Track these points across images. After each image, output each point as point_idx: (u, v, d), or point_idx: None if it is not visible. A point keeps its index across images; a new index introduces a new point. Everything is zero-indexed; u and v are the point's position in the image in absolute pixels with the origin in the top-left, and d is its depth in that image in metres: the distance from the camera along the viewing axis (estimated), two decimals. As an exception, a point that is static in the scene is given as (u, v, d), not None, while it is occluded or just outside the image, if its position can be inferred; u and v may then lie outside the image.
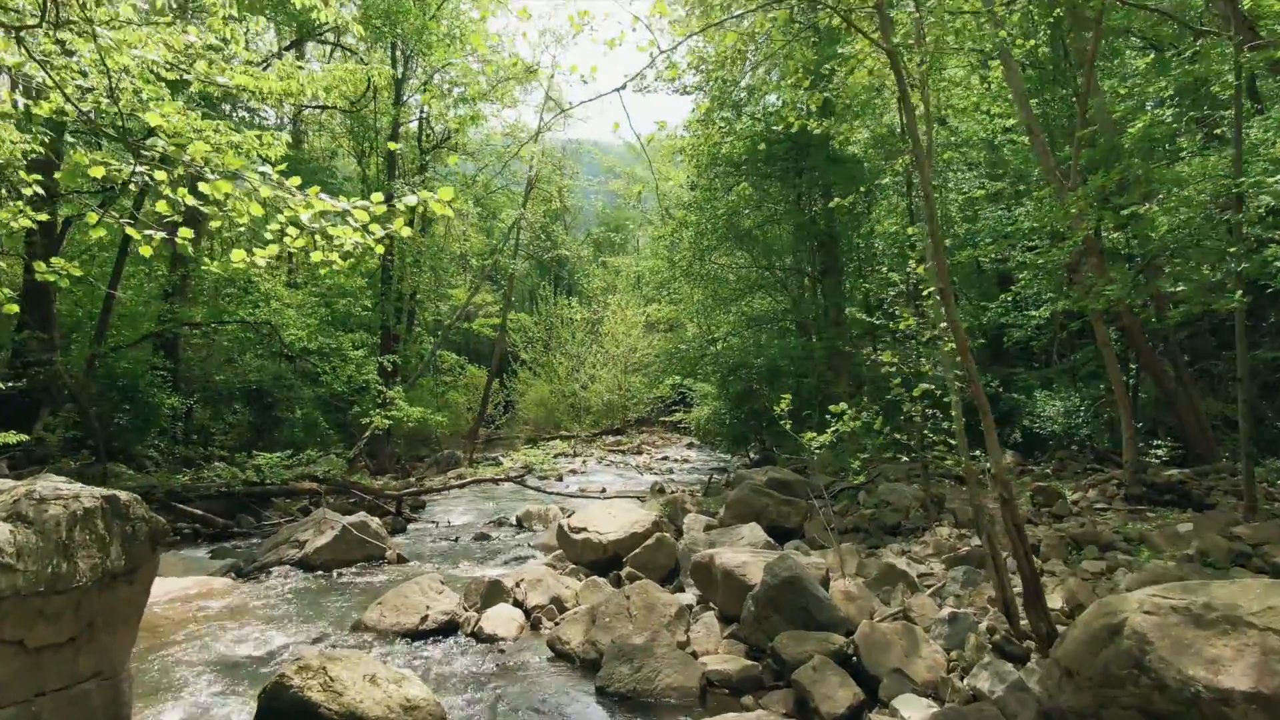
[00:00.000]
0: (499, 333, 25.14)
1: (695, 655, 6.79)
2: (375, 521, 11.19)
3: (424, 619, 7.86)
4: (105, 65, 5.01)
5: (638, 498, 17.27)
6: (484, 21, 24.68)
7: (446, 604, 8.11)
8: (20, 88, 8.14)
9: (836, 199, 9.10)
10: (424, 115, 26.43)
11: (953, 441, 7.35)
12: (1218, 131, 13.15)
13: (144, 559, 5.23)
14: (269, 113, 22.96)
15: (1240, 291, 7.94)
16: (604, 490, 19.00)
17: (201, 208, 4.62)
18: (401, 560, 10.95)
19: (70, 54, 5.56)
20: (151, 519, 5.33)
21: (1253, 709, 4.01)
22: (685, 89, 14.78)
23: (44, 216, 6.34)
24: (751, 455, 21.48)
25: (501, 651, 7.40)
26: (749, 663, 6.51)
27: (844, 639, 6.51)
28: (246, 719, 5.92)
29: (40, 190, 6.27)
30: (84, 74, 5.60)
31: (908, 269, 11.16)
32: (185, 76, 5.49)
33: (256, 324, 16.55)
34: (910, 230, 8.18)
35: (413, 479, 19.11)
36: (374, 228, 4.88)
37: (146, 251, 5.07)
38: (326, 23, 17.07)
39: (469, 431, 24.67)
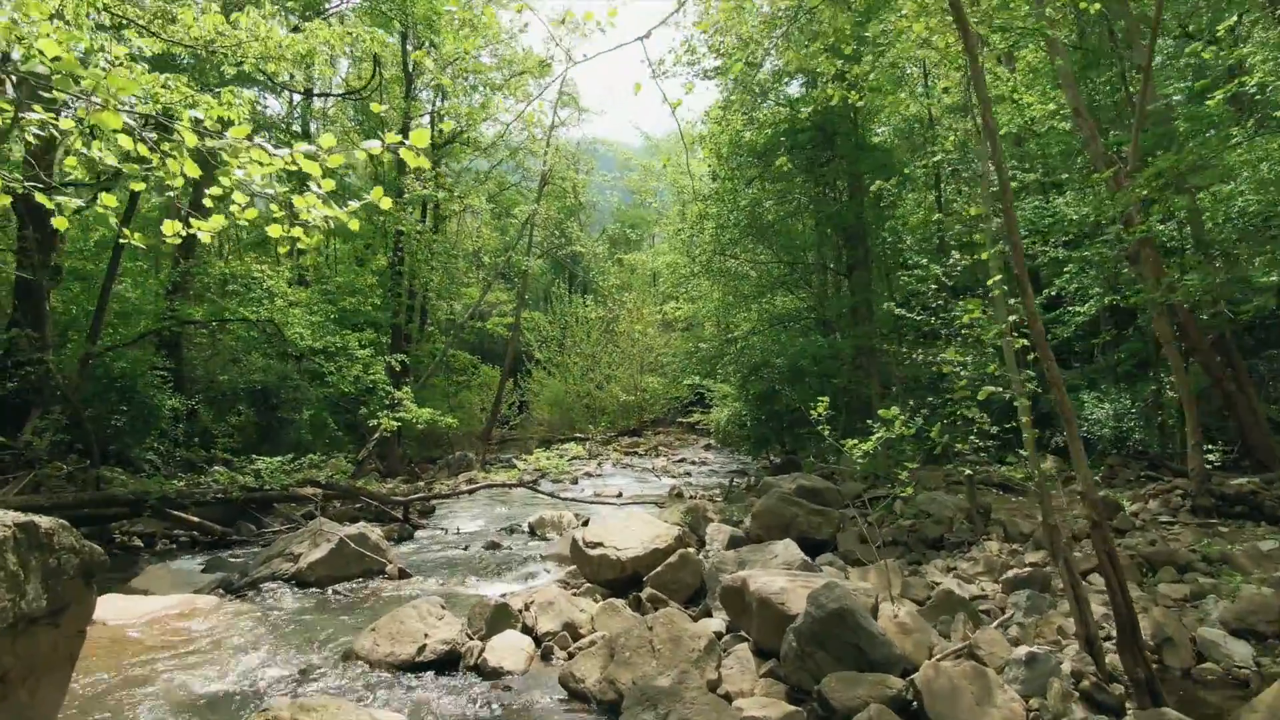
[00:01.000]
0: (512, 332, 24.20)
1: (729, 698, 5.82)
2: (375, 533, 10.26)
3: (421, 649, 6.91)
4: None
5: (655, 503, 16.32)
6: (493, 11, 23.73)
7: (447, 631, 7.15)
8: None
9: (878, 181, 8.14)
10: (435, 110, 25.52)
11: (1024, 452, 6.34)
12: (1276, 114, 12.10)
13: (73, 597, 4.29)
14: (277, 106, 22.15)
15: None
16: (620, 494, 18.05)
17: (121, 167, 3.67)
18: (403, 575, 10.00)
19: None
20: (84, 549, 4.38)
21: None
22: (706, 73, 13.79)
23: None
24: (772, 458, 20.48)
25: (508, 689, 6.44)
26: (792, 708, 5.52)
27: (902, 682, 5.52)
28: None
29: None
30: None
31: (950, 259, 10.16)
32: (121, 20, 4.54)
33: (259, 322, 15.65)
34: (972, 210, 7.12)
35: (422, 482, 18.20)
36: (339, 214, 3.94)
37: (138, 238, 4.27)
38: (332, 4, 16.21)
39: (482, 433, 23.76)
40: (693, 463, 23.73)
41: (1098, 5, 8.51)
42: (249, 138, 3.69)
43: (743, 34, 10.12)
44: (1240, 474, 11.45)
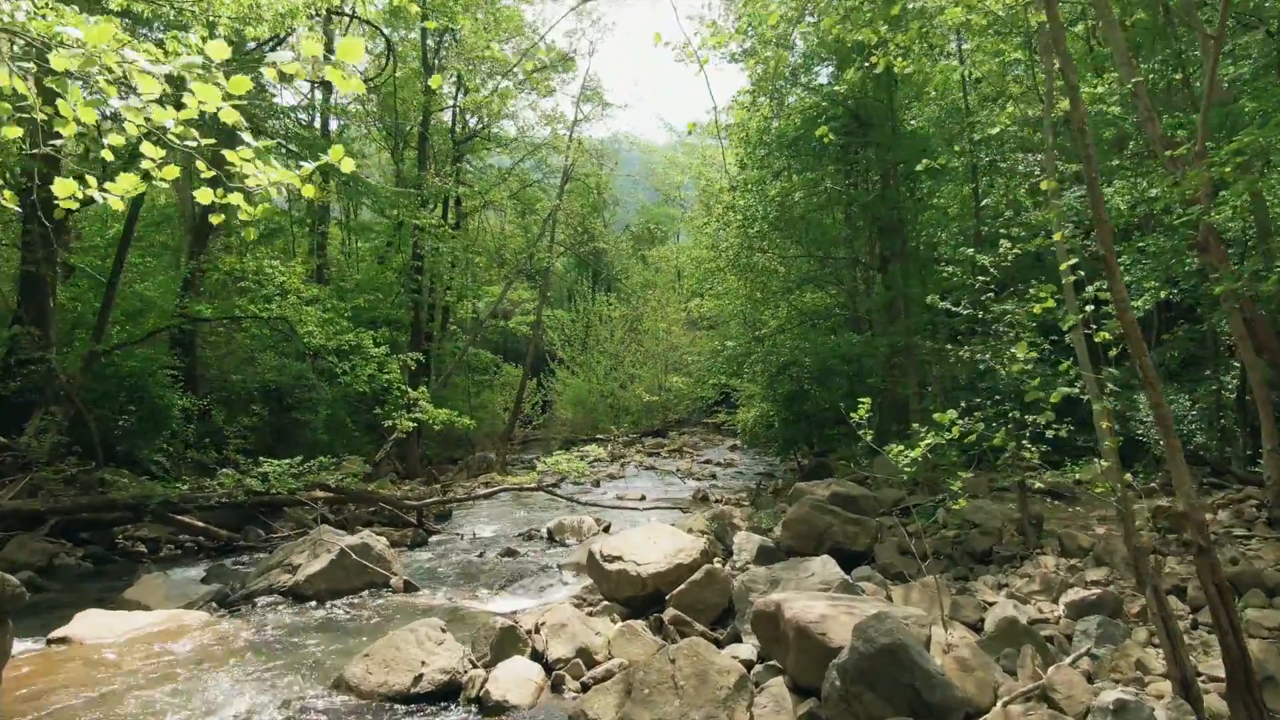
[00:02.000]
0: (534, 330, 23.43)
1: (763, 746, 4.97)
2: (380, 543, 9.49)
3: (418, 679, 6.12)
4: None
5: (679, 508, 15.49)
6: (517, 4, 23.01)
7: (447, 659, 6.35)
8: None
9: (925, 160, 7.25)
10: (456, 105, 24.81)
11: (1104, 463, 5.44)
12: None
13: (-22, 639, 3.51)
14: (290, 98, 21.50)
15: None
16: (643, 498, 17.24)
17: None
18: (408, 588, 9.23)
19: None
20: (-6, 581, 3.60)
21: None
22: (734, 56, 12.93)
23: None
24: (801, 460, 19.55)
25: (512, 728, 5.63)
26: (837, 761, 4.66)
27: (967, 732, 4.65)
28: None
29: None
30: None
31: (1000, 249, 9.22)
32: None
33: (270, 320, 14.96)
34: (1044, 184, 6.22)
35: (439, 485, 17.46)
36: (287, 176, 3.16)
37: (117, 205, 3.55)
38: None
39: (502, 433, 23.01)
40: (718, 464, 22.85)
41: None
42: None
43: (771, 18, 9.30)
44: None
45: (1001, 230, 11.68)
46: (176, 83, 3.06)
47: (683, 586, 7.46)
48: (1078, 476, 10.41)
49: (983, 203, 11.08)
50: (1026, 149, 15.81)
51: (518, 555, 12.24)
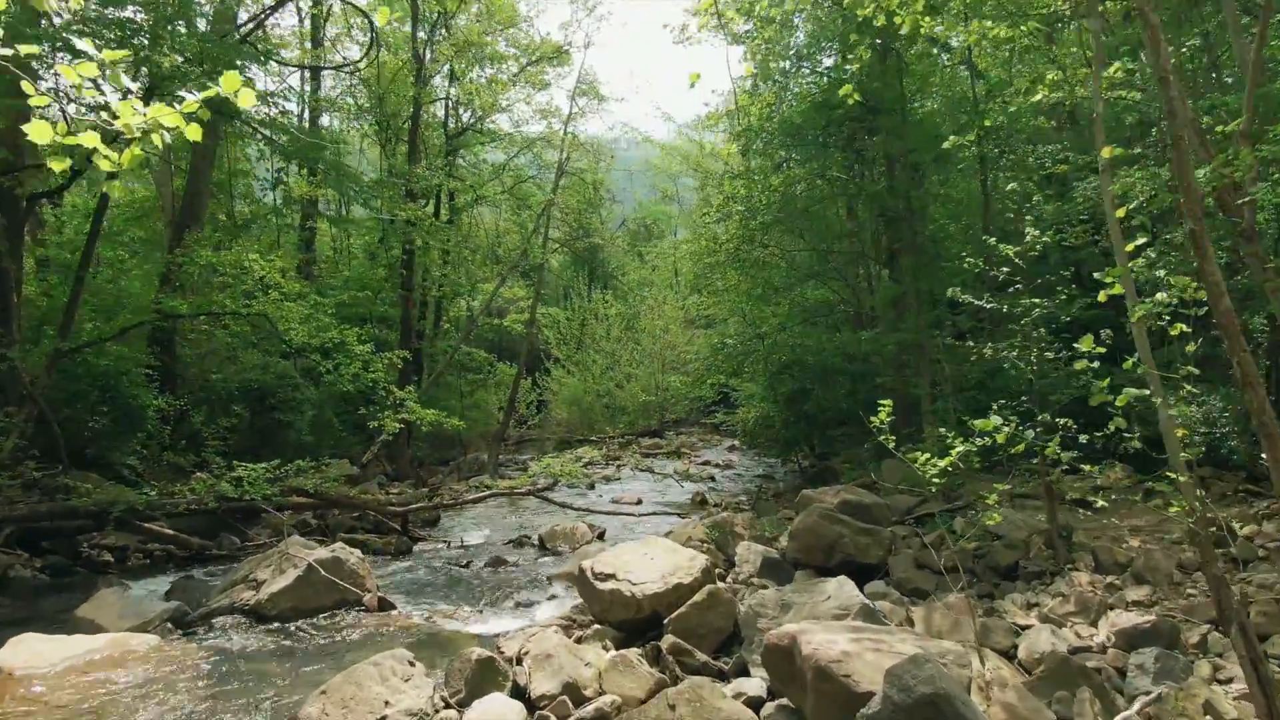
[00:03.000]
0: (528, 328, 22.55)
1: (779, 815, 4.12)
2: (353, 556, 8.61)
3: (380, 721, 5.25)
4: None
5: (678, 513, 14.64)
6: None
7: (415, 698, 5.50)
8: None
9: (952, 137, 6.42)
10: (448, 99, 23.93)
11: (1176, 477, 4.61)
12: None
13: None
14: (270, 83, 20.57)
15: None
16: (639, 501, 16.38)
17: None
18: (383, 606, 8.36)
19: None
20: None
21: None
22: (737, 38, 12.09)
23: None
24: (801, 462, 18.70)
25: (484, 783, 4.78)
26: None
27: (1026, 803, 3.80)
28: None
29: None
30: None
31: (1027, 235, 8.40)
32: None
33: (249, 316, 14.08)
34: (1105, 152, 5.36)
35: (426, 488, 16.59)
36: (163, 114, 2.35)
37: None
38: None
39: (494, 434, 22.13)
40: (716, 465, 21.99)
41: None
42: None
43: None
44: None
45: (1028, 219, 10.90)
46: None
47: (682, 610, 6.61)
48: (1151, 487, 9.52)
49: (1007, 187, 10.21)
50: (1035, 140, 15.00)
51: (506, 565, 11.40)
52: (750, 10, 9.80)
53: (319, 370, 14.82)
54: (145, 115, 2.39)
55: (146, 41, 12.08)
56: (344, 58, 23.16)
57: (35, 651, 6.74)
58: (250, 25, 13.35)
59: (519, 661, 6.13)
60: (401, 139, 22.86)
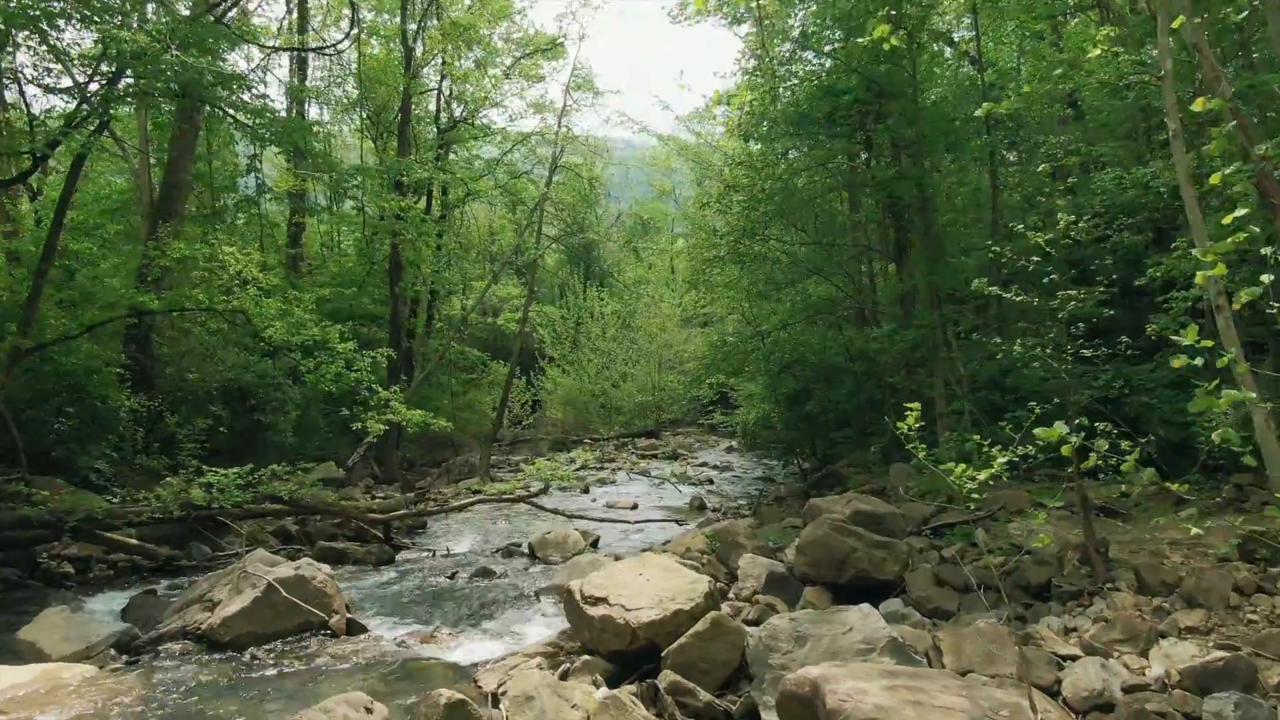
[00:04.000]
0: (521, 326, 21.68)
1: None
2: (321, 573, 7.73)
3: (327, 784, 4.38)
4: None
5: (675, 520, 13.79)
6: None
7: (369, 752, 4.62)
8: None
9: (987, 104, 5.58)
10: (439, 89, 23.05)
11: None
12: None
13: None
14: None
15: None
16: (635, 506, 15.56)
17: None
18: (352, 629, 7.47)
19: None
20: None
21: None
22: (737, 18, 11.23)
23: None
24: (802, 464, 17.85)
25: None
26: None
27: None
28: None
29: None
30: None
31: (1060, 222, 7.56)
32: None
33: (225, 313, 13.19)
34: (1199, 103, 4.48)
35: (413, 493, 15.71)
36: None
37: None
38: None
39: (486, 435, 21.24)
40: (714, 467, 21.15)
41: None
42: None
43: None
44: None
45: (1059, 202, 10.05)
46: None
47: (683, 640, 5.74)
48: (1182, 495, 8.69)
49: (1039, 167, 9.38)
50: (1043, 131, 14.18)
51: (493, 577, 10.55)
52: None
53: (301, 369, 13.96)
54: None
55: (117, 22, 11.26)
56: (334, 49, 22.27)
57: (-50, 688, 5.87)
58: (227, 4, 12.43)
59: (496, 702, 5.28)
60: (393, 133, 21.99)
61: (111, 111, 12.19)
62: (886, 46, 6.56)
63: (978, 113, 6.82)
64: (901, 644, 5.34)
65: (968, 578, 7.85)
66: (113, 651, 7.03)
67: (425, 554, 12.13)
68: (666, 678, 5.45)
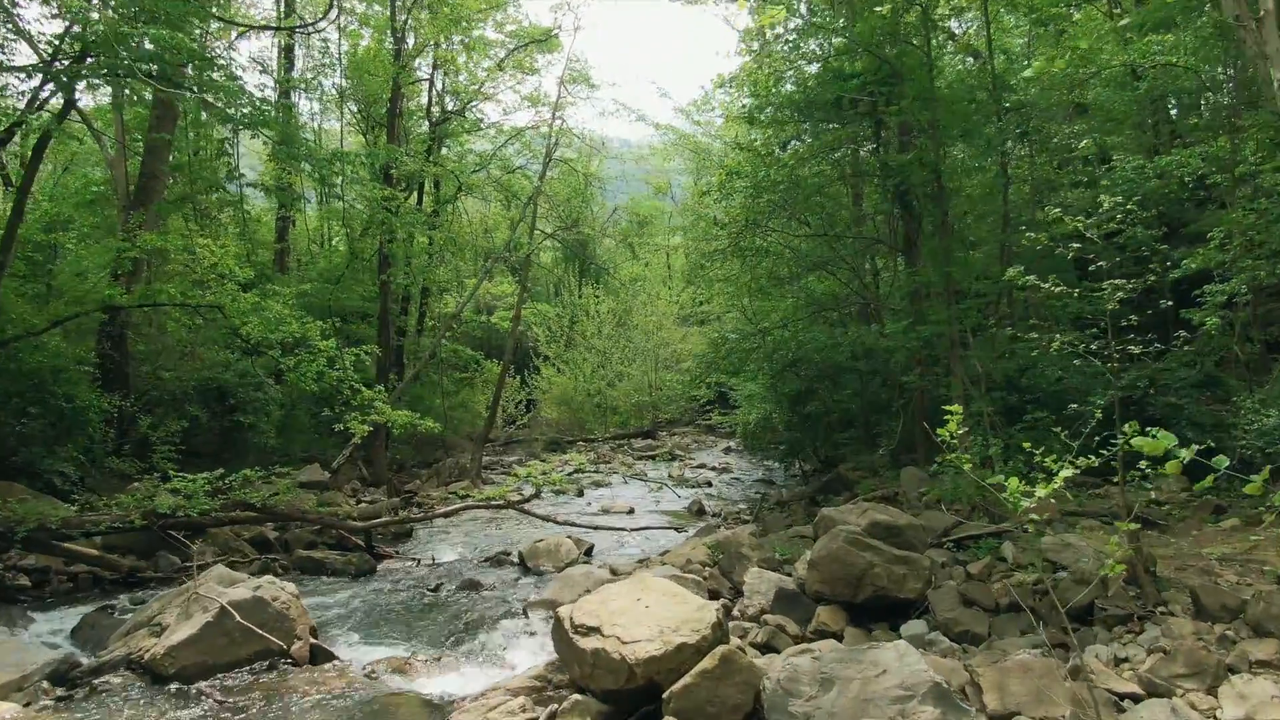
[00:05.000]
0: (514, 324, 20.80)
1: None
2: (284, 593, 6.85)
3: None
4: None
5: (674, 526, 12.94)
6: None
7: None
8: None
9: (1037, 63, 4.71)
10: (431, 79, 22.15)
11: None
12: None
13: None
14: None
15: None
16: (631, 511, 14.74)
17: None
18: (317, 657, 6.60)
19: None
20: None
21: None
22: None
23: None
24: (803, 466, 17.01)
25: None
26: None
27: None
28: None
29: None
30: None
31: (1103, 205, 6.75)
32: None
33: (200, 308, 12.30)
34: None
35: (399, 498, 14.84)
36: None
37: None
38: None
39: (478, 436, 20.36)
40: (712, 469, 20.30)
41: None
42: None
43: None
44: None
45: (1104, 181, 9.26)
46: None
47: (687, 680, 4.90)
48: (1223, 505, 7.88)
49: (1081, 143, 8.56)
50: (1055, 119, 13.37)
51: (480, 589, 9.72)
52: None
53: (282, 368, 13.09)
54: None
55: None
56: (323, 39, 21.44)
57: None
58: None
59: (470, 755, 4.42)
60: (384, 126, 21.10)
61: (77, 93, 11.34)
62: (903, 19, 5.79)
63: (1026, 73, 5.97)
64: (946, 690, 4.49)
65: (1001, 597, 7.06)
66: (45, 684, 6.15)
67: (410, 563, 11.29)
68: (669, 726, 4.61)
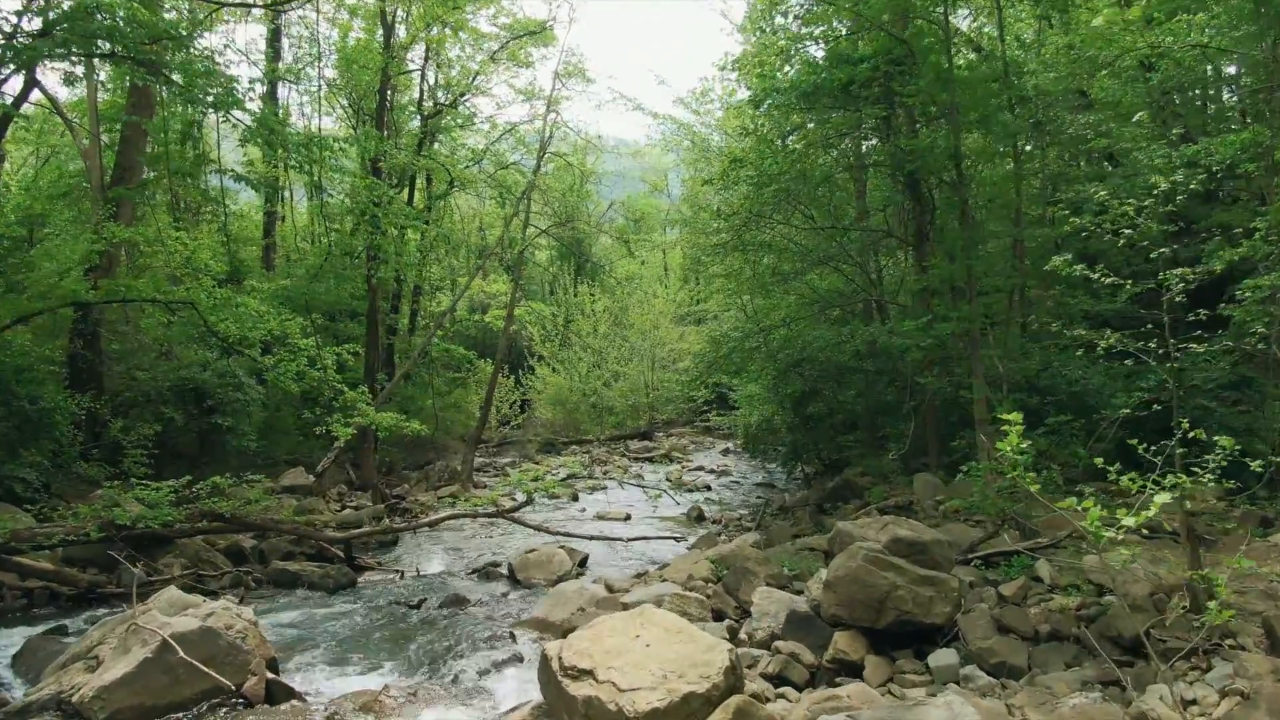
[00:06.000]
0: (507, 322, 19.97)
1: None
2: (239, 621, 6.00)
3: None
4: None
5: (673, 536, 12.12)
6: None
7: None
8: None
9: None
10: (423, 71, 21.32)
11: None
12: None
13: None
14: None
15: None
16: (628, 517, 13.94)
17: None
18: (274, 695, 5.75)
19: None
20: None
21: None
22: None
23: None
24: (806, 470, 16.19)
25: None
26: None
27: None
28: None
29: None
30: None
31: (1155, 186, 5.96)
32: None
33: (171, 304, 11.45)
34: None
35: (384, 504, 13.98)
36: None
37: None
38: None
39: (470, 438, 19.50)
40: (711, 471, 19.49)
41: None
42: None
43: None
44: None
45: (1158, 159, 8.49)
46: None
47: (697, 739, 4.07)
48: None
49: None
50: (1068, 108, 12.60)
51: (466, 606, 8.92)
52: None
53: (260, 367, 12.26)
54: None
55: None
56: (311, 30, 20.52)
57: None
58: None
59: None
60: (374, 118, 20.24)
61: (44, 76, 10.51)
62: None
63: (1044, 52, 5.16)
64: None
65: (1040, 623, 6.25)
66: (-38, 728, 5.32)
67: (393, 575, 10.47)
68: (676, 799, 3.79)
